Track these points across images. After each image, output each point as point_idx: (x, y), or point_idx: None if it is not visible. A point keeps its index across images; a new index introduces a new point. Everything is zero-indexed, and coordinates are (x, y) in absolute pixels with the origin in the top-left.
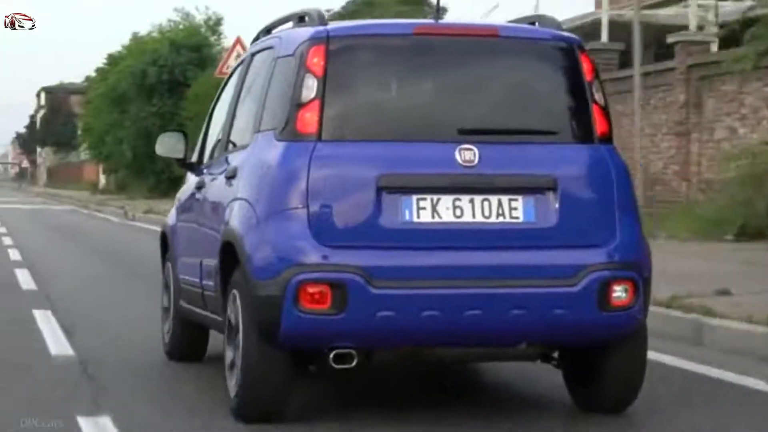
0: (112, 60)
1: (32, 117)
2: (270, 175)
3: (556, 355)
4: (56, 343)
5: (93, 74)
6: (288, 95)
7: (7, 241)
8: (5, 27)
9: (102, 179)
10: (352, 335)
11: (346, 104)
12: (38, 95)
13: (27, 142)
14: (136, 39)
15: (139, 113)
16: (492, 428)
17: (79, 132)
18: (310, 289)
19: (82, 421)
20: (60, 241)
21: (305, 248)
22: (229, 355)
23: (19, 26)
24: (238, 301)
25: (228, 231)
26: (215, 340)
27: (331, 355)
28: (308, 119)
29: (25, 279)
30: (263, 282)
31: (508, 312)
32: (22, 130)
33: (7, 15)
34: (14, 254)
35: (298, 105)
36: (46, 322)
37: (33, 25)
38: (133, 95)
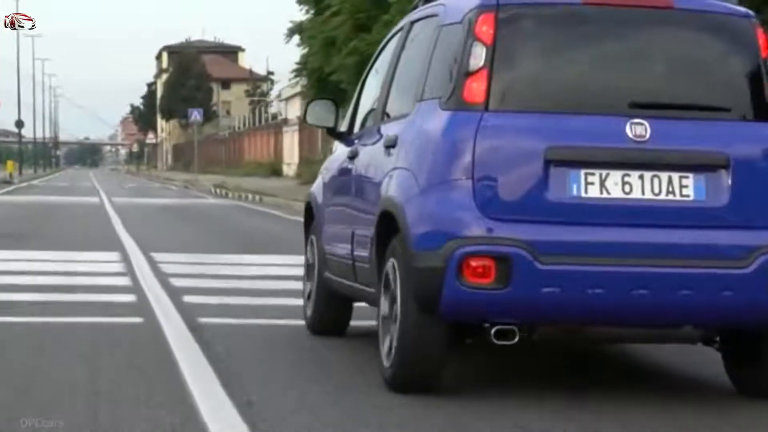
0: None
1: (151, 85)
2: (434, 145)
3: (717, 338)
4: None
5: None
6: (454, 64)
7: None
8: (5, 27)
9: (294, 159)
10: (516, 311)
11: (514, 74)
12: (158, 57)
13: (144, 116)
14: None
15: None
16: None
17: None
18: (474, 263)
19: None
20: None
21: (469, 220)
22: (383, 325)
23: (19, 26)
24: (397, 272)
25: (387, 200)
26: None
27: (493, 331)
28: (475, 89)
29: None
30: (424, 253)
31: (676, 292)
32: (137, 102)
33: (7, 15)
34: None
35: (466, 74)
36: None
37: (33, 25)
38: None
